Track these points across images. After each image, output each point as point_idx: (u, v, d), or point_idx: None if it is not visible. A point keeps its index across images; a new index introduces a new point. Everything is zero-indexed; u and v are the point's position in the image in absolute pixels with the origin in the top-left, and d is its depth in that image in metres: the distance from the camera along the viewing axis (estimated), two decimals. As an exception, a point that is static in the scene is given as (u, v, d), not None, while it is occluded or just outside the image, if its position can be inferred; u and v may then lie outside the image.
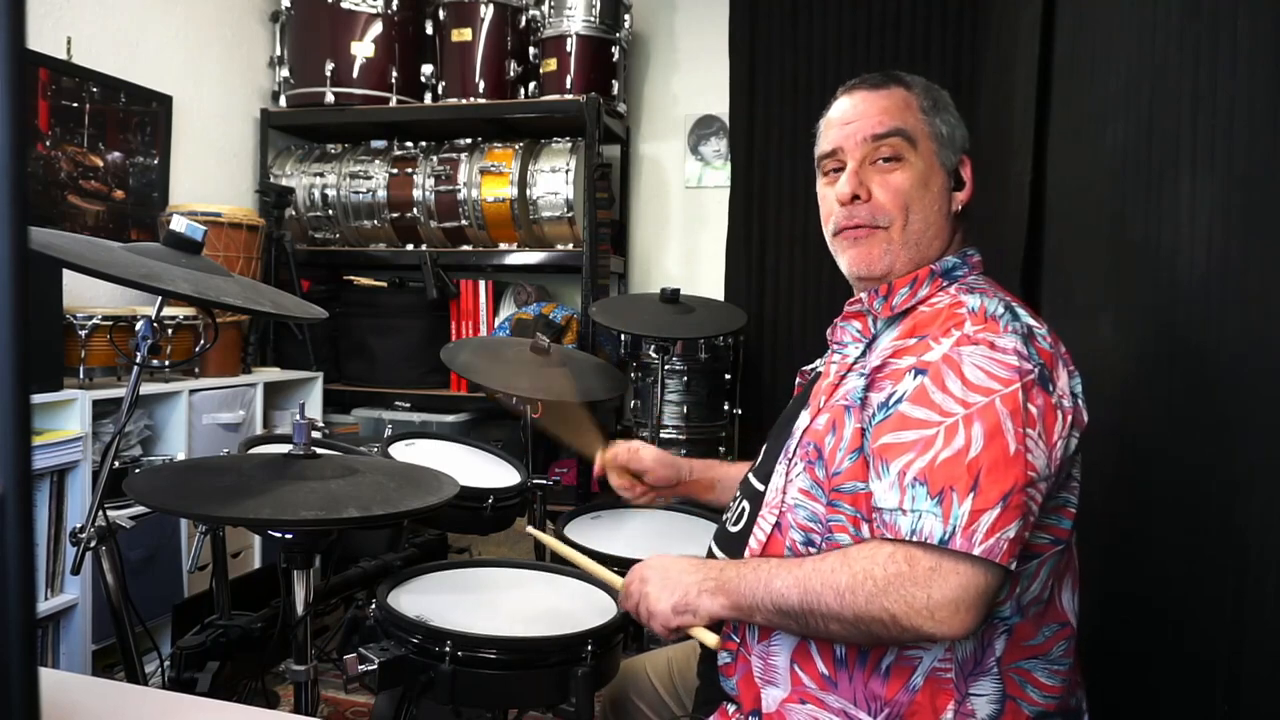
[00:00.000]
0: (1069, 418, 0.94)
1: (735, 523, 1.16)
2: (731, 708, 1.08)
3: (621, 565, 1.51)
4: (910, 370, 0.96)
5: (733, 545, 1.13)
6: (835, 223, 1.11)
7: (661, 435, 2.70)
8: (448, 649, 1.14)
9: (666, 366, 2.78)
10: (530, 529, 1.49)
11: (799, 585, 0.93)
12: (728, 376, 3.03)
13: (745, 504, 1.16)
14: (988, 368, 0.91)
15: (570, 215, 3.13)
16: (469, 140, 3.33)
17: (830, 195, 1.12)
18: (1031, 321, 0.97)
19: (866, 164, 1.08)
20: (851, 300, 1.13)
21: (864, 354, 1.08)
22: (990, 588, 0.87)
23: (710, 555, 1.18)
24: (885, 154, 1.07)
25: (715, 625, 1.05)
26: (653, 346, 2.75)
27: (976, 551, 0.85)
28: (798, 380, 1.31)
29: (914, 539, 0.87)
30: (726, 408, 3.02)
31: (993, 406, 0.89)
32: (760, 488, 1.12)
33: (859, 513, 0.98)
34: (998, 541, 0.86)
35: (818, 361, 1.28)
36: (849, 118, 1.10)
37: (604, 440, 1.51)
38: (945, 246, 1.10)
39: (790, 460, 1.07)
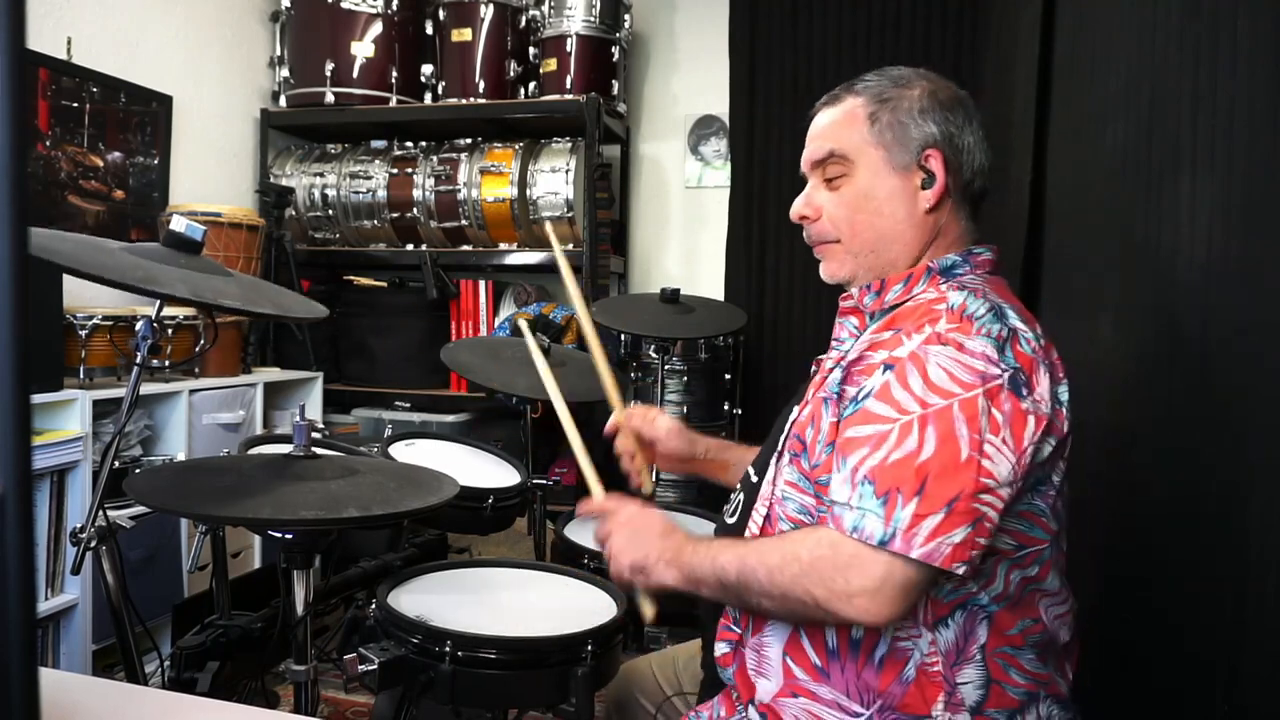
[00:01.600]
0: (1043, 423, 0.92)
1: (732, 515, 1.18)
2: (735, 694, 1.09)
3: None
4: (881, 365, 0.96)
5: (729, 538, 1.14)
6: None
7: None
8: (448, 649, 1.14)
9: (666, 366, 2.78)
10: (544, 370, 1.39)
11: (738, 560, 0.98)
12: (728, 376, 3.02)
13: (741, 496, 1.17)
14: (951, 369, 0.91)
15: (570, 215, 3.13)
16: (469, 140, 3.32)
17: None
18: (1019, 325, 0.95)
19: (820, 184, 1.14)
20: (844, 295, 1.14)
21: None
22: (915, 583, 0.89)
23: None
24: (830, 174, 1.12)
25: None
26: (653, 346, 2.75)
27: (914, 555, 0.87)
28: (813, 369, 1.31)
29: (855, 536, 0.89)
30: (726, 408, 3.02)
31: (949, 410, 0.89)
32: (755, 480, 1.14)
33: None
34: (939, 545, 0.87)
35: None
36: (807, 142, 1.15)
37: (625, 398, 1.41)
38: (922, 246, 1.08)
39: (780, 453, 1.09)
